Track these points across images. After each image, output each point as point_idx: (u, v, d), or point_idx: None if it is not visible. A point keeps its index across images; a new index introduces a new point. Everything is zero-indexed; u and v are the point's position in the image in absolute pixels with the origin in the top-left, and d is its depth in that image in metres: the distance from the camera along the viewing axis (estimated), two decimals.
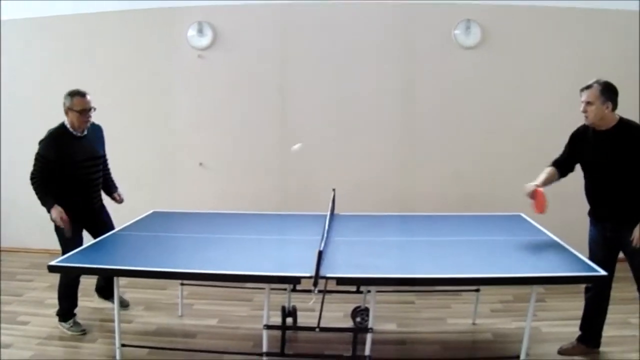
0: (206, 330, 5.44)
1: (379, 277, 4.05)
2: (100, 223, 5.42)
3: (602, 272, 4.04)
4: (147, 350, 4.92)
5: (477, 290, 5.44)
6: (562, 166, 4.93)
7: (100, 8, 7.12)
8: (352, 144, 7.24)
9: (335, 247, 4.59)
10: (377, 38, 7.11)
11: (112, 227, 5.43)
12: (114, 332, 4.55)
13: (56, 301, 5.41)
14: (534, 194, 4.78)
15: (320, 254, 3.84)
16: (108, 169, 5.82)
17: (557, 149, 7.10)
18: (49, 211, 5.05)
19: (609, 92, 4.47)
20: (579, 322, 5.42)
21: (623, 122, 4.49)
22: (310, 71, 7.17)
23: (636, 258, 4.50)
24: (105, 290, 5.75)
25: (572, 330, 5.27)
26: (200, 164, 7.29)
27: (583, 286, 5.47)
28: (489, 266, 4.35)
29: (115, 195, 5.74)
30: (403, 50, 7.09)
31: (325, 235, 4.47)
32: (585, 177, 4.75)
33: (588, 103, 4.50)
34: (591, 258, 4.62)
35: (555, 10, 6.99)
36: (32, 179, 5.11)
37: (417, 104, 7.16)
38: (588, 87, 4.53)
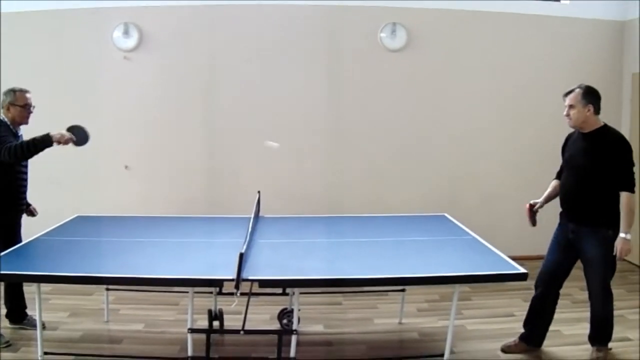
0: (132, 335, 5.35)
1: (301, 278, 4.06)
2: (16, 234, 5.22)
3: (522, 270, 4.13)
4: (72, 357, 4.82)
5: (403, 290, 5.49)
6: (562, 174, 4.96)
7: (23, 7, 6.96)
8: (280, 145, 7.22)
9: (260, 249, 4.59)
10: (304, 39, 7.14)
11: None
12: (36, 340, 4.44)
13: None
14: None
15: (241, 256, 3.83)
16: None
17: (486, 149, 7.28)
18: (49, 142, 4.99)
19: (590, 95, 4.54)
20: (504, 319, 5.59)
21: (606, 129, 4.58)
22: (236, 73, 7.15)
23: (590, 266, 4.63)
24: (13, 313, 5.46)
25: (496, 327, 5.43)
26: (126, 167, 7.19)
27: (508, 284, 5.62)
28: (414, 266, 4.40)
29: (32, 207, 5.51)
30: (330, 52, 7.14)
31: (248, 237, 4.46)
32: (563, 174, 4.85)
33: (570, 106, 4.57)
34: (548, 258, 4.90)
35: (479, 14, 7.15)
36: (8, 151, 4.87)
37: (344, 106, 7.22)
38: (570, 91, 4.61)
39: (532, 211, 4.95)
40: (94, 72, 7.07)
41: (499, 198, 7.21)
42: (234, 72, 7.15)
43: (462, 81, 7.26)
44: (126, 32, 7.00)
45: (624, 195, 4.44)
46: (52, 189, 7.05)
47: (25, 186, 5.32)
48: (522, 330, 5.04)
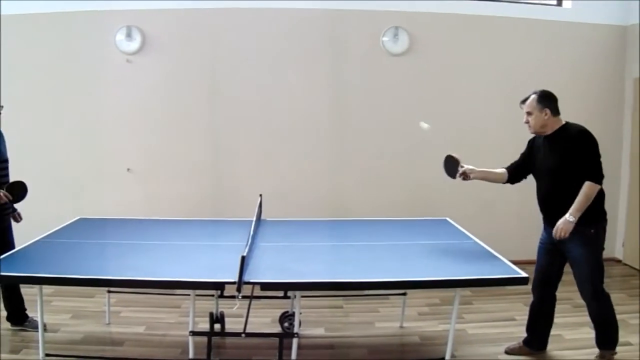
0: (134, 337, 5.36)
1: (302, 281, 4.08)
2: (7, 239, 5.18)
3: (523, 274, 4.12)
4: (73, 359, 4.83)
5: (404, 294, 5.49)
6: (514, 171, 5.03)
7: (27, 9, 6.97)
8: (282, 149, 7.26)
9: (262, 252, 4.60)
10: (307, 43, 7.15)
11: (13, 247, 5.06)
12: (38, 342, 4.46)
13: None
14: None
15: (243, 259, 3.85)
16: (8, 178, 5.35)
17: (482, 153, 7.25)
18: None
19: (544, 99, 4.59)
20: (504, 323, 5.61)
21: (566, 126, 4.62)
22: (239, 76, 7.16)
23: (576, 266, 4.60)
24: (13, 315, 5.43)
25: (497, 331, 5.44)
26: (128, 169, 7.19)
27: (509, 288, 5.62)
28: (415, 270, 4.41)
29: (17, 212, 5.32)
30: (332, 56, 7.15)
31: (250, 240, 4.48)
32: (536, 183, 4.83)
33: (528, 113, 4.63)
34: (537, 262, 4.91)
35: (481, 19, 7.16)
36: None
37: (347, 110, 7.23)
38: (526, 99, 4.66)
39: (464, 174, 4.99)
40: (97, 74, 7.08)
41: (500, 202, 7.22)
42: (236, 76, 7.16)
43: (464, 85, 7.27)
44: (129, 35, 7.00)
45: (586, 184, 4.40)
46: (55, 191, 7.08)
47: None
48: (524, 334, 5.05)
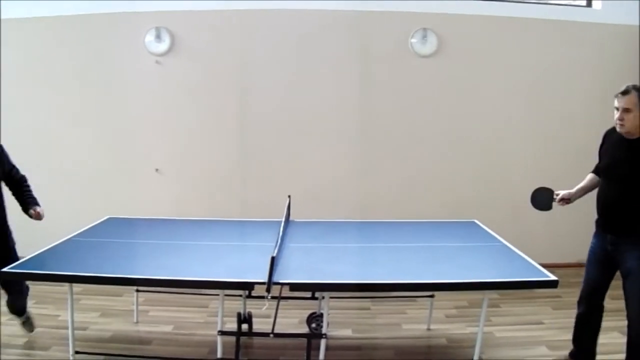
0: (161, 336, 5.40)
1: (331, 282, 4.08)
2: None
3: (553, 277, 4.07)
4: (101, 357, 4.88)
5: (432, 296, 5.48)
6: (599, 172, 4.63)
7: (57, 12, 7.03)
8: (310, 150, 7.26)
9: (291, 253, 4.61)
10: (335, 45, 7.14)
11: (15, 258, 4.74)
12: (68, 339, 4.50)
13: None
14: None
15: (273, 259, 3.86)
16: (20, 184, 5.03)
17: (516, 155, 7.24)
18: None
19: None
20: (533, 326, 5.58)
21: None
22: (267, 78, 7.17)
23: (630, 280, 4.24)
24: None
25: (525, 335, 5.43)
26: (157, 169, 7.24)
27: (536, 292, 5.57)
28: (444, 272, 4.36)
29: (32, 211, 4.87)
30: (361, 58, 7.13)
31: (279, 241, 4.49)
32: (601, 182, 4.50)
33: (626, 110, 4.09)
34: (587, 272, 4.62)
35: (510, 20, 7.10)
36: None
37: (376, 112, 7.22)
38: (625, 92, 4.11)
39: (564, 200, 4.73)
40: (126, 76, 7.14)
41: (530, 204, 7.17)
42: (264, 77, 7.17)
43: (493, 86, 7.23)
44: (158, 37, 7.04)
45: None
46: (85, 191, 7.14)
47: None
48: (552, 338, 5.02)
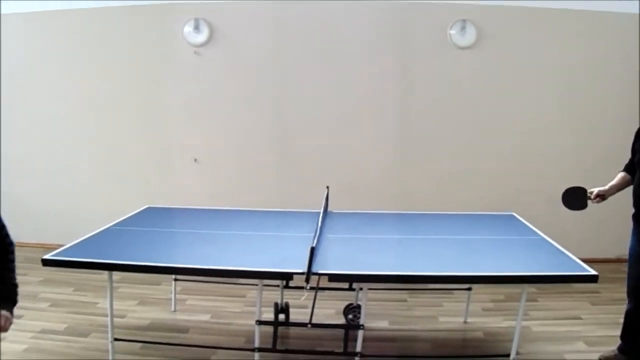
0: (199, 325, 5.45)
1: (370, 274, 4.06)
2: None
3: (592, 272, 4.02)
4: (139, 344, 4.93)
5: (469, 289, 5.47)
6: (631, 169, 4.67)
7: (96, 4, 7.10)
8: (348, 142, 7.25)
9: (329, 244, 4.61)
10: (373, 37, 7.11)
11: None
12: (107, 326, 4.55)
13: (50, 295, 5.35)
14: None
15: (312, 250, 3.87)
16: (6, 249, 3.56)
17: (553, 148, 7.17)
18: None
19: None
20: (570, 321, 5.54)
21: None
22: (305, 69, 7.18)
23: None
24: None
25: (563, 329, 5.38)
26: (195, 159, 7.29)
27: (575, 286, 5.52)
28: (481, 265, 4.34)
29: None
30: (399, 50, 7.10)
31: (318, 232, 4.50)
32: (637, 176, 4.52)
33: None
34: (629, 270, 4.57)
35: (550, 11, 7.01)
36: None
37: (413, 103, 7.18)
38: None
39: (600, 197, 4.73)
40: (165, 66, 7.20)
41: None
42: (302, 68, 7.18)
43: (532, 79, 7.15)
44: (197, 28, 7.07)
45: None
46: (124, 181, 7.22)
47: None
48: (590, 334, 4.97)
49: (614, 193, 4.71)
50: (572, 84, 7.13)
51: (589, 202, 4.76)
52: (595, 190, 4.71)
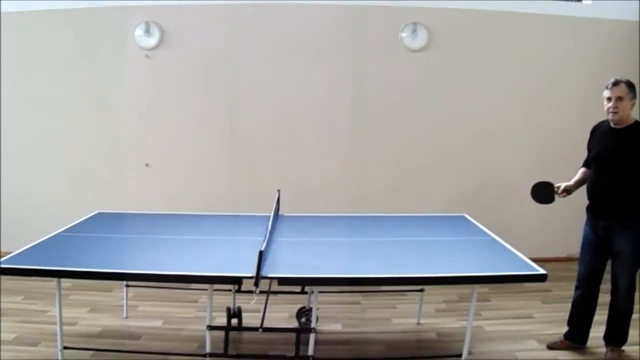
0: (151, 331, 5.39)
1: (320, 277, 4.06)
2: None
3: (542, 271, 4.07)
4: (90, 352, 4.84)
5: (422, 291, 5.48)
6: (589, 165, 4.92)
7: (45, 6, 6.99)
8: (301, 145, 7.26)
9: (280, 247, 4.60)
10: (325, 39, 7.13)
11: None
12: (57, 334, 4.47)
13: None
14: None
15: (261, 254, 3.85)
16: None
17: (502, 149, 7.24)
18: None
19: (634, 90, 4.51)
20: (522, 320, 5.60)
21: (639, 124, 4.55)
22: (257, 72, 7.16)
23: (619, 259, 4.61)
24: None
25: (514, 328, 5.43)
26: (147, 164, 7.22)
27: (527, 286, 5.60)
28: (433, 266, 4.37)
29: None
30: (351, 52, 7.13)
31: (267, 235, 4.48)
32: (592, 170, 4.80)
33: (619, 99, 4.45)
34: (581, 258, 4.87)
35: (501, 14, 7.10)
36: None
37: (366, 106, 7.21)
38: (616, 83, 4.49)
39: (566, 191, 4.92)
40: (116, 70, 7.11)
41: (520, 198, 7.14)
42: (254, 71, 7.16)
43: (483, 81, 7.23)
44: (147, 31, 7.02)
45: None
46: (73, 186, 7.12)
47: None
48: (542, 332, 5.05)
49: (576, 188, 4.92)
50: (524, 85, 7.23)
51: (556, 196, 4.94)
52: (562, 185, 4.90)
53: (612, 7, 7.23)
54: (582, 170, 4.98)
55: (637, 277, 4.66)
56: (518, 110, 7.27)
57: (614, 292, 4.69)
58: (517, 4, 7.12)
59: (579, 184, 4.92)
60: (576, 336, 5.02)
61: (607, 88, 4.53)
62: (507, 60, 7.21)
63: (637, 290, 4.69)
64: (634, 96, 4.48)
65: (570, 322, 5.05)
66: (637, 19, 7.28)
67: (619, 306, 4.68)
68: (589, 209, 4.82)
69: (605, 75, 4.69)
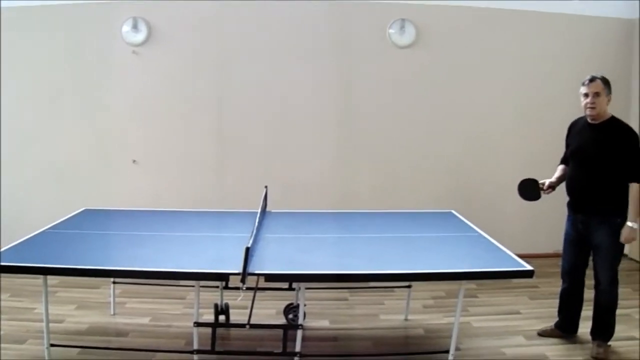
0: (138, 328, 5.37)
1: (307, 273, 4.07)
2: None
3: (529, 267, 4.09)
4: (77, 350, 4.81)
5: (409, 287, 5.48)
6: (567, 161, 5.03)
7: (31, 2, 6.94)
8: (288, 141, 7.26)
9: (267, 244, 4.59)
10: (313, 37, 7.13)
11: None
12: (43, 332, 4.46)
13: None
14: None
15: (247, 250, 3.84)
16: None
17: (490, 146, 7.26)
18: None
19: (609, 86, 4.61)
20: (510, 316, 5.65)
21: (615, 119, 4.65)
22: (245, 69, 7.15)
23: (600, 253, 4.71)
24: None
25: (502, 324, 5.45)
26: (134, 161, 7.19)
27: (514, 282, 5.62)
28: (421, 262, 4.40)
29: None
30: (338, 49, 7.13)
31: (254, 232, 4.47)
32: (570, 166, 4.91)
33: (596, 94, 4.56)
34: (564, 253, 4.99)
35: (489, 10, 7.11)
36: None
37: (353, 103, 7.21)
38: (592, 79, 4.60)
39: (551, 188, 5.03)
40: (103, 66, 7.08)
41: (507, 195, 7.15)
42: (242, 68, 7.15)
43: (473, 77, 7.24)
44: (135, 27, 6.99)
45: (633, 186, 4.50)
46: (60, 183, 7.09)
47: None
48: (529, 328, 5.09)
49: (559, 184, 5.02)
50: (515, 82, 7.24)
51: (542, 193, 5.04)
52: (547, 181, 5.01)
53: (604, 5, 7.24)
54: (561, 167, 5.08)
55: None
56: (508, 108, 7.29)
57: (596, 287, 4.78)
58: (507, 1, 7.12)
59: (560, 180, 5.02)
60: (565, 325, 5.13)
61: (583, 84, 4.63)
62: (497, 57, 7.23)
63: (619, 283, 4.75)
64: (609, 92, 4.58)
65: (559, 312, 5.17)
66: (630, 16, 7.29)
67: (602, 300, 4.77)
68: (568, 204, 4.92)
69: (591, 71, 4.73)
